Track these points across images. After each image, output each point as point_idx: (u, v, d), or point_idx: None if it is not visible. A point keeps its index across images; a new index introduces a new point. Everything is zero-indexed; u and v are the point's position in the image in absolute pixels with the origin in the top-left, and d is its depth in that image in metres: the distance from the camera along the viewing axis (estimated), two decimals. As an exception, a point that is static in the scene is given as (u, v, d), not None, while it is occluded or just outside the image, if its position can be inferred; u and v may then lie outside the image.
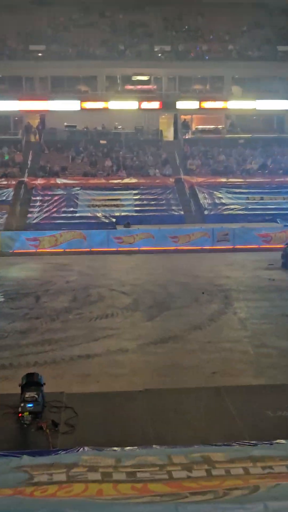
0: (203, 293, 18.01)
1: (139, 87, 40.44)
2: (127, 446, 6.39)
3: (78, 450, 6.39)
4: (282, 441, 6.01)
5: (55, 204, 32.23)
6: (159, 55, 40.54)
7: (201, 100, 39.65)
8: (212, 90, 40.60)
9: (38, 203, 32.50)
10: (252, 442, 6.03)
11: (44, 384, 8.98)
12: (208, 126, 42.26)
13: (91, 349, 12.60)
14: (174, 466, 5.05)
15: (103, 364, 11.69)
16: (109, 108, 38.90)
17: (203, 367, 11.40)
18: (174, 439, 7.26)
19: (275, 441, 5.97)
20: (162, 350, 12.65)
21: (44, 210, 31.64)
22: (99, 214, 31.50)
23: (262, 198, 33.66)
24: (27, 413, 8.32)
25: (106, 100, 38.85)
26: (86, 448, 6.38)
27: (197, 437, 7.28)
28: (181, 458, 5.34)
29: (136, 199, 33.54)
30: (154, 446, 6.41)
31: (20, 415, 8.36)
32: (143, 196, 33.74)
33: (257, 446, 5.68)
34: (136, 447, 6.14)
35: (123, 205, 32.74)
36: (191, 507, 3.64)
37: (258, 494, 3.80)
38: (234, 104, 39.83)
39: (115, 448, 5.68)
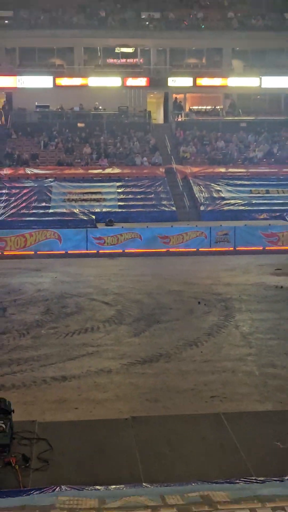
0: (199, 303, 18.06)
1: (123, 60, 40.50)
2: (112, 485, 6.35)
3: (54, 489, 6.35)
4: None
5: (24, 198, 32.11)
6: (147, 23, 40.61)
7: (196, 76, 39.85)
8: (209, 65, 40.83)
9: (3, 197, 32.42)
10: (260, 479, 6.04)
11: (13, 411, 8.90)
12: (205, 107, 42.44)
13: (68, 369, 12.53)
14: (169, 508, 5.05)
15: (81, 387, 11.60)
16: (88, 85, 38.92)
17: (200, 390, 11.37)
18: (168, 476, 7.20)
19: (286, 477, 5.97)
20: (151, 371, 12.59)
21: (11, 206, 31.48)
22: (76, 210, 31.38)
23: (267, 192, 33.82)
24: (-7, 446, 8.26)
25: (84, 76, 38.86)
26: (63, 487, 6.34)
27: (195, 473, 7.23)
28: (176, 499, 5.34)
29: (120, 193, 33.55)
30: (144, 484, 6.38)
31: (-16, 448, 8.29)
32: (128, 189, 33.78)
33: (266, 484, 5.69)
34: (122, 486, 6.11)
35: (104, 200, 32.75)
36: None
37: None
38: (235, 82, 40.07)
39: (98, 487, 5.66)
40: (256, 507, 4.78)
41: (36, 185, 33.11)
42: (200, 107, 42.40)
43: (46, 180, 33.51)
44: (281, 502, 4.87)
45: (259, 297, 19.00)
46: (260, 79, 39.63)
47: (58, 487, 6.36)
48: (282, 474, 6.19)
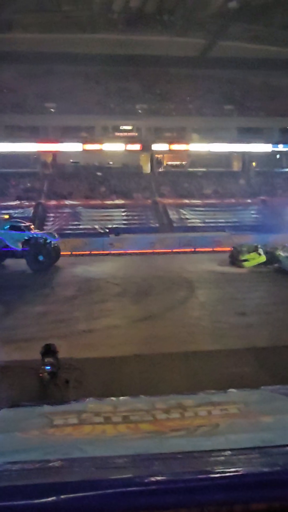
0: (173, 283, 18.01)
1: (125, 134, 40.36)
2: (121, 396, 6.31)
3: (85, 400, 6.28)
4: (234, 390, 5.95)
5: (64, 219, 31.99)
6: (139, 111, 40.47)
7: (170, 143, 39.67)
8: (178, 137, 40.64)
9: (52, 219, 32.26)
10: (212, 391, 5.97)
11: (58, 352, 8.86)
12: (175, 162, 42.33)
13: (92, 325, 12.52)
14: (157, 410, 4.97)
15: (101, 336, 11.60)
16: (103, 149, 38.71)
17: (175, 338, 11.38)
18: (156, 390, 7.24)
19: (228, 390, 5.91)
20: (144, 325, 12.61)
21: (56, 224, 31.33)
22: (96, 226, 31.30)
23: (214, 214, 33.76)
24: (46, 373, 8.22)
25: (101, 143, 38.65)
26: (91, 399, 6.28)
27: (173, 389, 7.26)
28: (161, 404, 5.25)
29: (123, 215, 33.48)
30: (141, 396, 6.32)
31: (40, 375, 8.25)
32: (129, 213, 33.68)
33: (216, 394, 5.63)
34: (128, 397, 6.05)
35: (114, 220, 32.63)
36: (172, 441, 3.59)
37: (219, 429, 3.76)
38: (193, 147, 39.90)
39: (112, 398, 5.59)
40: (211, 409, 4.72)
41: (71, 211, 33.01)
42: (172, 162, 42.31)
43: (78, 207, 33.40)
44: (225, 406, 4.82)
45: (211, 280, 19.00)
46: (209, 145, 39.49)
47: (87, 399, 6.29)
48: (226, 388, 6.10)
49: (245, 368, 8.85)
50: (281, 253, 20.36)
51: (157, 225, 32.24)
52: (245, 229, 29.48)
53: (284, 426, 3.81)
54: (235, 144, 39.29)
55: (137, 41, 38.35)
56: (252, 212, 34.64)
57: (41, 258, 21.17)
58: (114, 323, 12.66)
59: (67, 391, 7.74)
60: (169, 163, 42.28)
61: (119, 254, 26.26)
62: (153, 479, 2.53)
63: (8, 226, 22.45)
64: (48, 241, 22.00)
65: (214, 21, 36.88)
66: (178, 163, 42.19)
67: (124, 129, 40.62)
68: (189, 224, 32.35)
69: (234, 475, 2.54)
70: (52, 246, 22.08)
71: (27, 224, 23.59)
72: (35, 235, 22.32)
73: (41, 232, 23.86)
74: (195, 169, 40.31)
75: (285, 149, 40.14)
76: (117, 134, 39.92)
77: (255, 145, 39.32)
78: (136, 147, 39.24)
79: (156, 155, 40.79)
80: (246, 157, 40.61)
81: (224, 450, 3.19)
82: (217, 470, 2.65)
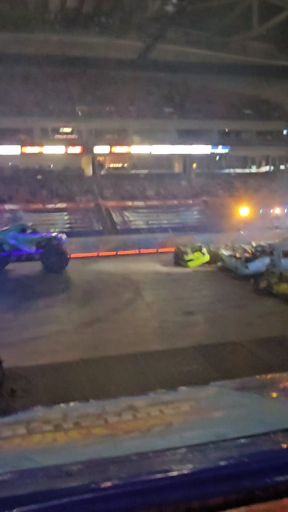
0: (118, 286, 17.97)
1: (65, 136, 39.82)
2: (71, 403, 6.18)
3: (33, 409, 6.09)
4: (184, 388, 6.02)
5: (3, 224, 30.87)
6: (79, 113, 40.12)
7: (111, 146, 39.64)
8: (119, 139, 40.71)
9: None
10: (163, 390, 5.99)
11: (3, 361, 8.54)
12: (117, 165, 42.36)
13: (38, 332, 12.19)
14: (108, 414, 4.91)
15: (48, 343, 11.33)
16: (43, 152, 37.95)
17: (122, 340, 11.34)
18: (106, 394, 7.17)
19: (179, 388, 5.96)
20: (91, 329, 12.47)
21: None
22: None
23: (158, 216, 34.11)
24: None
25: (40, 145, 37.88)
26: (39, 407, 6.10)
27: (123, 391, 7.22)
28: (112, 407, 5.21)
29: (66, 219, 32.97)
30: (91, 400, 6.23)
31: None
32: (72, 217, 33.21)
33: (167, 393, 5.66)
34: (77, 403, 5.93)
35: (57, 223, 32.00)
36: (125, 443, 3.55)
37: (172, 427, 3.78)
38: (135, 149, 40.13)
39: (61, 405, 5.47)
40: (163, 408, 4.73)
41: (11, 215, 31.98)
42: (114, 165, 42.31)
43: (18, 212, 32.41)
44: (176, 404, 4.85)
45: (156, 280, 19.12)
46: (151, 147, 39.90)
47: (36, 407, 6.11)
48: (176, 386, 6.14)
49: (193, 365, 8.99)
50: (224, 252, 20.91)
51: (100, 228, 32.05)
52: (188, 230, 30.00)
53: (235, 420, 3.89)
54: (176, 146, 39.97)
55: (75, 42, 38.06)
56: (195, 212, 35.38)
57: (55, 259, 20.67)
58: (60, 329, 12.41)
59: (14, 401, 7.47)
60: (111, 165, 42.25)
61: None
62: (109, 483, 2.47)
63: (20, 228, 21.79)
64: (61, 242, 21.53)
65: (152, 24, 37.37)
66: (120, 165, 42.26)
67: (64, 132, 40.08)
68: (132, 226, 32.45)
69: (190, 472, 2.54)
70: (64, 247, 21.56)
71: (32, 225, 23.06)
72: (48, 236, 21.72)
73: (51, 233, 23.04)
74: (137, 171, 40.56)
75: (224, 151, 41.37)
76: (57, 136, 39.30)
77: (195, 147, 40.20)
78: (77, 149, 38.84)
79: (98, 158, 40.60)
80: (187, 159, 41.42)
81: (179, 447, 3.20)
82: (173, 468, 2.64)
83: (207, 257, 21.85)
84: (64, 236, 22.52)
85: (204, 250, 22.20)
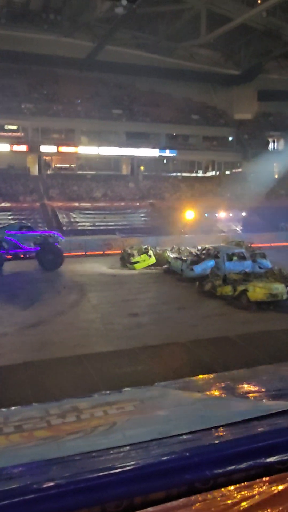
0: (64, 287, 17.79)
1: (10, 134, 38.82)
2: (13, 407, 6.05)
3: None
4: (128, 388, 6.09)
5: None
6: (25, 111, 39.27)
7: (58, 145, 39.14)
8: (66, 139, 40.28)
9: None
10: (107, 392, 6.02)
11: None
12: (64, 165, 41.87)
13: None
14: (51, 416, 4.87)
15: None
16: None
17: (67, 342, 11.22)
18: (49, 397, 7.07)
19: (123, 389, 6.02)
20: (35, 332, 12.24)
21: None
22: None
23: (105, 217, 34.05)
24: None
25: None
26: None
27: (67, 393, 7.14)
28: (55, 410, 5.17)
29: (10, 219, 32.07)
30: (34, 404, 6.14)
31: None
32: (16, 216, 32.32)
33: (111, 394, 5.69)
34: (19, 407, 5.83)
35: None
36: (68, 444, 3.54)
37: (116, 427, 3.81)
38: (82, 150, 39.88)
39: (2, 409, 5.36)
40: (107, 409, 4.75)
41: None
42: (61, 165, 41.77)
43: None
44: (121, 404, 4.89)
45: (101, 282, 19.08)
46: (98, 148, 39.81)
47: None
48: (121, 387, 6.18)
49: (138, 366, 9.06)
50: (169, 255, 21.23)
51: (46, 229, 31.48)
52: (135, 232, 30.19)
53: (178, 417, 3.99)
54: (124, 148, 40.14)
55: (22, 38, 37.26)
56: (141, 215, 35.66)
57: (52, 257, 21.11)
58: (2, 331, 12.07)
59: None
60: (58, 165, 41.70)
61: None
62: (51, 483, 2.47)
63: (18, 227, 22.26)
64: (58, 239, 22.08)
65: (101, 25, 37.32)
66: (67, 165, 41.79)
67: (9, 129, 39.06)
68: (79, 228, 32.19)
69: (133, 468, 2.60)
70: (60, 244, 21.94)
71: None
72: (46, 234, 22.38)
73: (48, 230, 23.64)
74: (84, 172, 40.32)
75: (171, 155, 42.05)
76: (2, 133, 38.25)
77: (143, 149, 40.57)
78: (23, 148, 38.01)
79: (44, 157, 39.93)
80: (134, 161, 41.69)
81: (123, 446, 3.24)
82: (116, 466, 2.68)
83: (153, 259, 22.10)
84: (61, 234, 23.26)
85: (151, 252, 22.44)
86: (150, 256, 22.27)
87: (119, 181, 39.84)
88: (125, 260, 22.58)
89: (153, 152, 41.15)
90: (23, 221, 24.18)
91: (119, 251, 24.21)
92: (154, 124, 41.44)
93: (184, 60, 42.31)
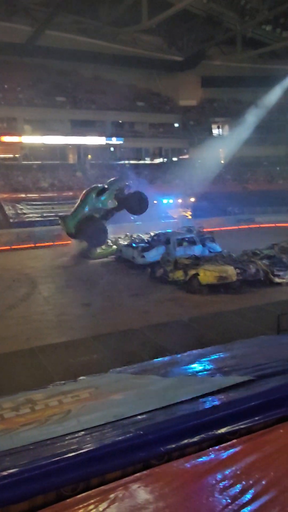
0: (13, 281, 17.40)
1: None
2: None
3: None
4: (84, 377, 6.10)
5: None
6: None
7: (0, 135, 37.83)
8: (9, 128, 38.96)
9: None
10: (62, 382, 6.00)
11: None
12: (8, 155, 40.55)
13: None
14: (4, 410, 4.80)
15: None
16: None
17: (19, 336, 11.02)
18: (3, 391, 6.93)
19: (79, 378, 6.02)
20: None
21: None
22: None
23: (53, 208, 33.38)
24: None
25: None
26: None
27: (21, 386, 7.03)
28: (9, 404, 5.10)
29: None
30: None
31: None
32: None
33: (66, 384, 5.68)
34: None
35: None
36: (22, 434, 3.50)
37: (71, 414, 3.81)
38: (26, 139, 38.77)
39: None
40: (62, 398, 4.74)
41: None
42: (4, 155, 40.38)
43: None
44: (76, 392, 4.89)
45: (52, 274, 18.81)
46: (43, 137, 38.84)
47: None
48: (75, 377, 6.18)
49: (93, 355, 9.07)
50: (121, 243, 21.21)
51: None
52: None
53: (132, 400, 4.04)
54: (69, 136, 39.44)
55: None
56: (91, 204, 35.27)
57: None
58: None
59: None
60: (1, 155, 40.35)
61: None
62: (5, 473, 2.44)
63: None
64: None
65: (40, 8, 36.21)
66: (11, 155, 40.50)
67: None
68: (27, 219, 31.39)
69: (87, 451, 2.61)
70: None
71: None
72: None
73: None
74: (29, 162, 39.26)
75: (118, 142, 41.79)
76: None
77: (89, 137, 40.03)
78: None
79: (-15, 147, 38.51)
80: (81, 150, 41.09)
81: (77, 432, 3.25)
82: (71, 451, 2.68)
83: (114, 248, 21.79)
84: None
85: (109, 241, 22.26)
86: (110, 245, 22.10)
87: (66, 171, 39.16)
88: (84, 250, 22.21)
89: (100, 140, 40.70)
90: None
91: (70, 242, 23.88)
92: (100, 111, 40.95)
93: (127, 46, 41.89)
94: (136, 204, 22.79)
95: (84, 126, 40.18)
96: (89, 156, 41.52)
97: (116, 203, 22.68)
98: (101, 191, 22.86)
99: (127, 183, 23.86)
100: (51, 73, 42.34)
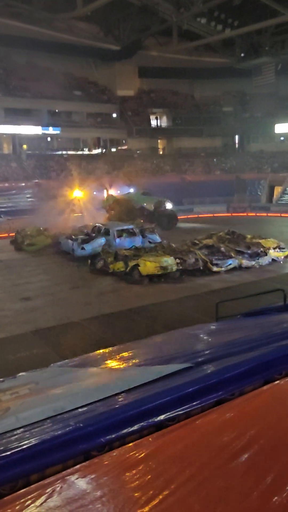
0: None
1: None
2: None
3: None
4: (23, 373, 5.99)
5: None
6: None
7: None
8: None
9: None
10: (1, 379, 5.86)
11: None
12: None
13: None
14: None
15: None
16: None
17: None
18: None
19: (18, 375, 5.91)
20: None
21: None
22: None
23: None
24: None
25: None
26: None
27: None
28: None
29: None
30: None
31: None
32: None
33: (5, 381, 5.55)
34: None
35: None
36: None
37: (10, 411, 3.73)
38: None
39: None
40: (0, 395, 4.63)
41: None
42: None
43: None
44: (15, 389, 4.79)
45: (-11, 268, 18.23)
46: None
47: None
48: (15, 374, 6.04)
49: (33, 350, 8.91)
50: (60, 235, 20.89)
51: None
52: (22, 213, 29.10)
53: (74, 393, 4.02)
54: (3, 125, 38.08)
55: None
56: (28, 195, 34.40)
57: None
58: None
59: None
60: None
61: None
62: None
63: None
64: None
65: None
66: None
67: None
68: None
69: (26, 448, 2.58)
70: None
71: None
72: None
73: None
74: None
75: (55, 132, 40.94)
76: None
77: (24, 127, 38.87)
78: None
79: None
80: (16, 139, 39.83)
81: (17, 429, 3.20)
82: (9, 449, 2.64)
83: (49, 240, 21.52)
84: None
85: (46, 233, 21.95)
86: (47, 237, 21.76)
87: (1, 161, 37.84)
88: (19, 243, 21.75)
89: (36, 130, 39.67)
90: None
91: (6, 235, 23.21)
92: (35, 99, 39.87)
93: (63, 33, 40.87)
94: (166, 221, 26.69)
95: (19, 114, 38.95)
96: (25, 146, 40.37)
97: (152, 207, 27.13)
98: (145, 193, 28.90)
99: (167, 201, 28.40)
100: (-19, 58, 40.59)
